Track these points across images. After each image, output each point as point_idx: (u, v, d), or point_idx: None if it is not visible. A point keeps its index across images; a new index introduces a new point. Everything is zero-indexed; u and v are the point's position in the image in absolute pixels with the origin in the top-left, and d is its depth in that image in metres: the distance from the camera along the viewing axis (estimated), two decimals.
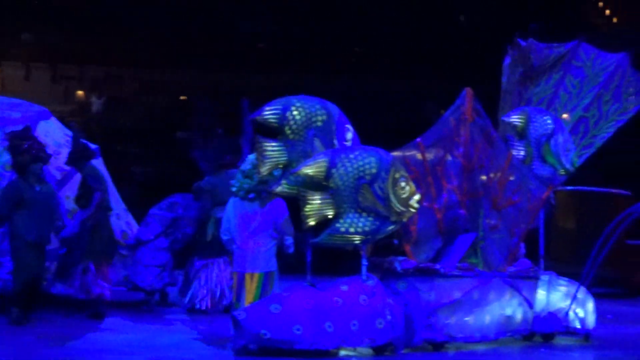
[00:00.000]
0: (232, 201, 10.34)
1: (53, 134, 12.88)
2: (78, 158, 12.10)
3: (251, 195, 10.15)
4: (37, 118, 13.15)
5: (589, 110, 12.74)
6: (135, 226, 13.33)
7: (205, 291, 12.73)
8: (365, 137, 10.55)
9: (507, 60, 13.06)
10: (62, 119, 13.70)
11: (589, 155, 12.72)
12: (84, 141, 12.38)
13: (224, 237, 10.44)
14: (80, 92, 27.45)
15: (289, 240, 10.18)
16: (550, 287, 11.37)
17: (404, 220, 10.08)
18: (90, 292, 11.76)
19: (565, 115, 12.66)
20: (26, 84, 28.00)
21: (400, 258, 10.48)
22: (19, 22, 28.33)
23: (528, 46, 12.79)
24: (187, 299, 12.81)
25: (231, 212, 10.32)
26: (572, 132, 12.47)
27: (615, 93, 12.81)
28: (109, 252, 12.24)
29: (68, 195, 12.74)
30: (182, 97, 28.02)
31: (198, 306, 12.65)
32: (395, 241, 10.57)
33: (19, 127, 12.83)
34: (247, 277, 10.12)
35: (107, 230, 12.15)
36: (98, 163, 13.31)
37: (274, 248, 10.19)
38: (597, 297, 11.94)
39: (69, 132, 13.01)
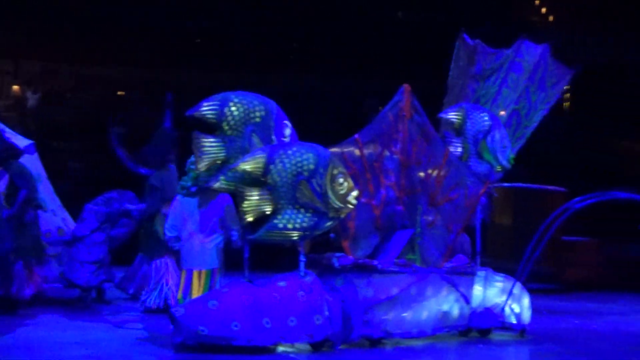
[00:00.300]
0: (178, 198, 10.37)
1: None
2: (3, 157, 11.97)
3: (193, 189, 10.16)
4: None
5: (520, 103, 12.88)
6: (71, 222, 13.22)
7: (156, 290, 12.62)
8: (303, 134, 10.56)
9: (454, 57, 13.15)
10: None
11: (520, 147, 12.85)
12: (9, 139, 12.22)
13: (170, 234, 10.47)
14: (15, 87, 27.09)
15: (235, 235, 10.20)
16: (486, 283, 11.47)
17: (342, 216, 10.11)
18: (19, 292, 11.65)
19: (502, 112, 12.78)
20: None
21: (338, 254, 10.50)
22: None
23: (474, 47, 12.87)
24: (140, 299, 12.69)
25: (177, 209, 10.35)
26: (506, 126, 12.59)
27: (540, 83, 12.98)
28: (38, 251, 12.11)
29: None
30: (119, 93, 27.82)
31: (149, 305, 12.50)
32: (332, 235, 10.59)
33: None
34: (195, 274, 10.15)
35: (36, 228, 12.04)
36: (34, 159, 13.21)
37: (221, 244, 10.23)
38: (533, 292, 12.05)
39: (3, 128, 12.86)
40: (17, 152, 12.07)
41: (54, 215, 13.12)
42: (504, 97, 12.82)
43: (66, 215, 13.38)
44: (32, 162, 13.16)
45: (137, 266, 13.06)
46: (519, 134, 12.88)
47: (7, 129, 13.03)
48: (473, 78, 12.87)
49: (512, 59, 12.88)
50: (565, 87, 13.29)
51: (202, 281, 10.16)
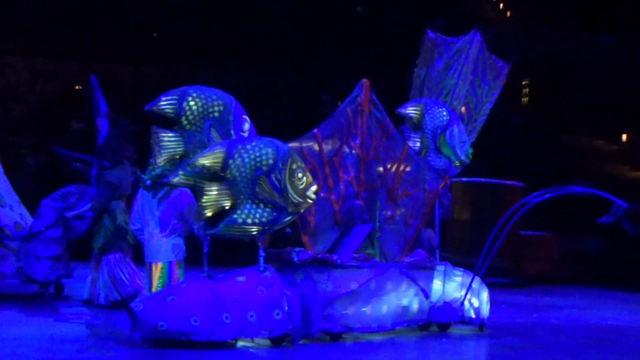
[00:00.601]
0: (140, 191, 10.37)
1: None
2: None
3: (147, 183, 10.15)
4: None
5: (468, 97, 12.95)
6: (28, 218, 13.09)
7: (106, 285, 12.53)
8: (261, 129, 10.54)
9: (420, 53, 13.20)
10: None
11: (473, 141, 12.90)
12: None
13: (133, 228, 10.52)
14: None
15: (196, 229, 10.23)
16: (445, 277, 11.51)
17: (301, 211, 10.10)
18: None
19: (463, 109, 12.83)
20: None
21: (297, 249, 10.49)
22: None
23: (434, 40, 12.92)
24: (87, 292, 12.64)
25: (138, 202, 10.37)
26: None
27: (482, 77, 13.04)
28: None
29: None
30: (76, 87, 27.66)
31: (96, 301, 12.46)
32: (288, 230, 10.58)
33: None
34: (153, 267, 10.16)
35: None
36: None
37: (179, 238, 10.20)
38: (492, 287, 12.14)
39: None
40: None
41: (11, 211, 12.99)
42: (460, 89, 12.87)
43: (23, 210, 13.24)
44: None
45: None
46: (471, 127, 12.95)
47: None
48: (436, 71, 12.91)
49: (466, 50, 12.93)
50: (504, 81, 13.30)
51: (157, 274, 10.13)
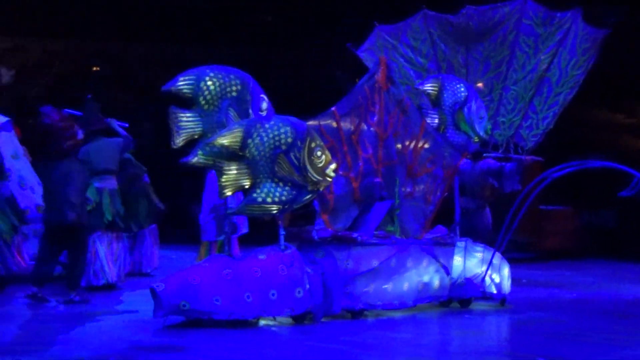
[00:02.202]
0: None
1: None
2: None
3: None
4: None
5: (550, 69, 12.94)
6: None
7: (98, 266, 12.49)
8: (280, 107, 10.54)
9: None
10: None
11: (556, 113, 12.89)
12: None
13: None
14: None
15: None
16: (466, 253, 11.49)
17: (321, 189, 10.10)
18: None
19: (480, 84, 12.82)
20: None
21: (318, 227, 10.51)
22: None
23: (466, 14, 12.95)
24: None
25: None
26: (537, 94, 12.68)
27: (571, 49, 13.07)
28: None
29: None
30: (94, 68, 27.67)
31: (95, 282, 12.38)
32: (316, 204, 10.59)
33: None
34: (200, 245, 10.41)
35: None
36: (10, 136, 13.11)
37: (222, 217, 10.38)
38: (512, 262, 12.11)
39: None
40: None
41: (33, 193, 13.04)
42: (520, 61, 12.86)
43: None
44: (8, 140, 13.09)
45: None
46: (551, 101, 12.94)
47: None
48: (471, 42, 12.93)
49: (517, 19, 12.92)
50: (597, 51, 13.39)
51: (203, 253, 10.27)
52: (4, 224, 11.95)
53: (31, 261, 12.61)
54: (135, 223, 12.93)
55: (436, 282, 11.14)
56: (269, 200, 9.78)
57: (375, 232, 10.70)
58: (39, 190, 13.10)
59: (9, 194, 12.14)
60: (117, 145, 12.29)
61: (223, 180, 9.71)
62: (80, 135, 11.37)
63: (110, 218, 12.18)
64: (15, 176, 12.96)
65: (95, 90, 14.76)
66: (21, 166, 13.15)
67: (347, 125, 10.92)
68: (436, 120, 11.91)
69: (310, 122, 10.41)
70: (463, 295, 11.46)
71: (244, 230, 11.67)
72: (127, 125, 12.63)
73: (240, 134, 9.72)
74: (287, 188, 9.85)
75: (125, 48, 27.51)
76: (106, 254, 12.29)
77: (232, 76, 10.21)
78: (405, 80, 13.37)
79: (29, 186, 13.01)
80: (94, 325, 9.95)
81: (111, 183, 12.26)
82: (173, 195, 14.27)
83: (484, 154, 13.66)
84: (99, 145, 12.37)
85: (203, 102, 10.04)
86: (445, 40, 13.63)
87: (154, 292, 9.51)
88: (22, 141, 13.66)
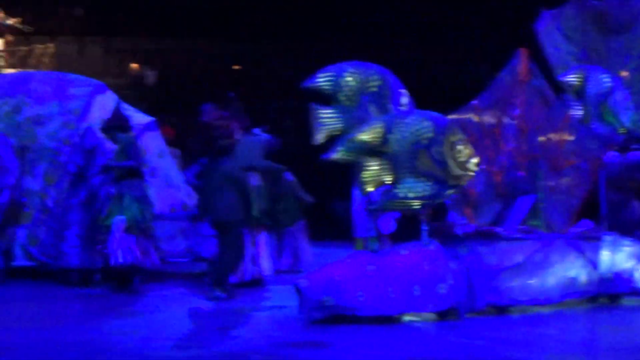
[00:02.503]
0: None
1: (110, 108, 12.90)
2: (110, 127, 12.06)
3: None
4: (94, 92, 13.24)
5: None
6: (193, 196, 13.29)
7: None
8: (419, 102, 10.50)
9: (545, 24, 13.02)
10: (117, 93, 13.72)
11: None
12: (124, 112, 12.31)
13: None
14: (134, 65, 27.54)
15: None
16: (614, 247, 11.21)
17: (463, 183, 10.01)
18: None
19: (624, 73, 12.52)
20: (80, 58, 28.17)
21: (460, 222, 10.43)
22: None
23: (602, 5, 12.73)
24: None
25: None
26: None
27: None
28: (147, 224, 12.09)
29: None
30: (235, 67, 28.05)
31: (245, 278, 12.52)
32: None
33: (77, 103, 12.97)
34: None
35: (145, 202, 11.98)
36: (156, 136, 13.39)
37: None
38: None
39: (127, 104, 13.06)
40: (125, 125, 12.08)
41: (179, 191, 13.28)
42: None
43: (190, 190, 13.49)
44: (154, 139, 13.37)
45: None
46: None
47: (128, 106, 13.24)
48: (610, 32, 12.67)
49: None
50: None
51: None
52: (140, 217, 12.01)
53: (172, 258, 12.89)
54: (283, 220, 13.07)
55: (583, 277, 10.87)
56: (410, 195, 9.75)
57: (519, 227, 10.55)
58: (185, 188, 13.38)
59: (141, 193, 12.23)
60: (261, 143, 12.37)
61: (365, 175, 9.73)
62: (238, 134, 11.52)
63: (256, 215, 12.29)
64: (161, 174, 13.22)
65: (237, 89, 14.91)
66: (167, 165, 13.41)
67: (488, 118, 10.82)
68: (580, 112, 11.68)
69: (451, 116, 10.34)
70: (612, 290, 11.15)
71: (394, 226, 11.63)
72: (266, 128, 12.74)
73: (380, 130, 9.73)
74: (428, 183, 9.79)
75: (266, 47, 27.78)
76: (253, 251, 12.44)
77: (371, 72, 10.22)
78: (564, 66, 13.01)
79: (174, 184, 13.26)
80: (240, 321, 10.07)
81: (256, 180, 12.37)
82: (316, 192, 14.33)
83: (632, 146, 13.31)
84: (243, 143, 12.51)
85: (343, 98, 10.08)
86: (595, 30, 13.32)
87: (298, 289, 9.59)
88: (174, 140, 13.94)
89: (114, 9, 28.48)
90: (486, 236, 10.25)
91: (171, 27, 28.20)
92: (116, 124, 11.97)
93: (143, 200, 11.70)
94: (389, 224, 10.52)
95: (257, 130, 12.09)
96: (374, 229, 10.42)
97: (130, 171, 11.67)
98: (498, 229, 10.34)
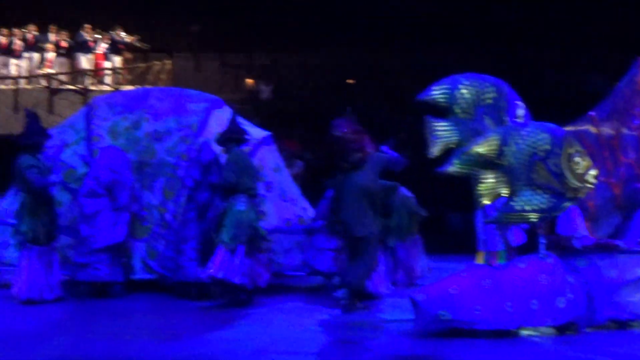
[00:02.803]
0: None
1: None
2: (225, 140, 12.17)
3: None
4: (211, 107, 13.43)
5: None
6: (311, 211, 13.38)
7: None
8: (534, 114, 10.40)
9: None
10: (232, 107, 13.88)
11: None
12: (240, 125, 12.41)
13: None
14: (249, 80, 27.86)
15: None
16: None
17: (581, 196, 9.86)
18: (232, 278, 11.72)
19: None
20: (196, 74, 28.63)
21: (578, 235, 10.27)
22: (187, 14, 29.00)
23: None
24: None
25: None
26: None
27: None
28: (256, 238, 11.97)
29: None
30: (349, 81, 28.14)
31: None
32: None
33: (195, 118, 13.18)
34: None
35: (250, 216, 11.95)
36: (271, 150, 13.50)
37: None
38: None
39: (243, 119, 13.19)
40: (240, 137, 12.18)
41: (294, 205, 13.35)
42: None
43: (306, 204, 13.58)
44: (270, 153, 13.47)
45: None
46: None
47: (244, 121, 13.41)
48: None
49: None
50: None
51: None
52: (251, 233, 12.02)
53: (288, 271, 12.98)
54: (397, 235, 13.06)
55: None
56: (527, 208, 9.63)
57: None
58: (301, 202, 13.46)
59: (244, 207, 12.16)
60: (388, 161, 12.19)
61: (481, 188, 9.67)
62: (370, 147, 11.55)
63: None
64: (277, 188, 13.32)
65: (352, 102, 14.97)
66: (283, 179, 13.49)
67: (606, 129, 10.67)
68: None
69: (568, 128, 10.20)
70: None
71: (523, 239, 11.47)
72: (393, 141, 12.71)
73: (496, 142, 9.66)
74: (545, 195, 9.67)
75: (379, 59, 27.80)
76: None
77: (487, 84, 10.16)
78: None
79: (290, 198, 13.33)
80: (357, 334, 10.09)
81: None
82: (431, 205, 14.29)
83: None
84: (372, 158, 12.48)
85: (458, 111, 10.04)
86: None
87: (414, 302, 9.57)
88: (298, 154, 13.98)
89: (228, 25, 28.91)
90: (606, 249, 10.08)
91: (281, 41, 28.47)
92: (231, 137, 12.10)
93: (247, 214, 11.73)
94: (519, 236, 10.38)
95: (385, 148, 12.06)
96: (502, 242, 10.28)
97: (230, 187, 11.78)
98: (618, 242, 10.16)
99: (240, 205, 11.65)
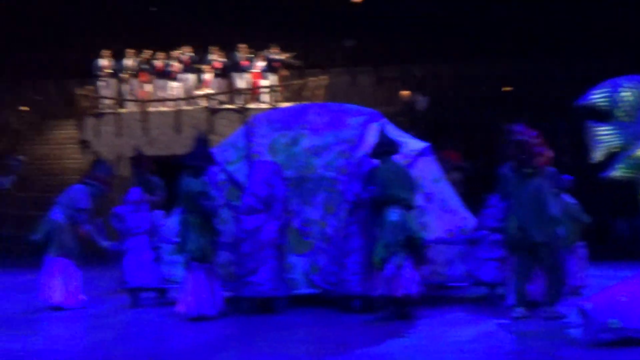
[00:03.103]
0: None
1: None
2: (379, 152, 12.16)
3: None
4: (368, 121, 13.49)
5: None
6: (472, 220, 13.28)
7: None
8: None
9: None
10: (389, 120, 13.92)
11: None
12: (390, 136, 12.39)
13: None
14: (404, 92, 27.91)
15: None
16: None
17: None
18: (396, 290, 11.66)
19: None
20: (352, 88, 28.85)
21: None
22: (341, 29, 29.27)
23: None
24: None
25: None
26: None
27: None
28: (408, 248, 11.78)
29: None
30: (505, 89, 27.91)
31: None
32: None
33: (353, 132, 13.26)
34: None
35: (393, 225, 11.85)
36: (431, 161, 13.46)
37: None
38: None
39: (400, 131, 13.19)
40: (392, 149, 12.17)
41: (456, 215, 13.27)
42: None
43: (468, 214, 13.48)
44: (429, 164, 13.43)
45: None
46: None
47: (402, 133, 13.39)
48: None
49: None
50: None
51: None
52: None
53: (452, 282, 12.91)
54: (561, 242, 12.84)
55: None
56: None
57: None
58: (462, 212, 13.35)
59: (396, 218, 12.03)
60: (554, 173, 12.13)
61: None
62: (548, 153, 11.48)
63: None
64: (437, 199, 13.26)
65: (507, 111, 14.82)
66: (443, 189, 13.43)
67: None
68: None
69: None
70: None
71: None
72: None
73: None
74: None
75: (533, 67, 27.54)
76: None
77: None
78: None
79: (451, 209, 13.25)
80: (523, 343, 9.97)
81: None
82: (594, 211, 14.01)
83: None
84: None
85: (621, 114, 9.83)
86: None
87: (582, 311, 9.39)
88: (458, 164, 13.91)
89: (383, 38, 29.07)
90: None
91: (439, 52, 28.47)
92: (381, 149, 12.11)
93: (402, 225, 11.67)
94: None
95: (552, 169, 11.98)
96: None
97: (381, 199, 11.77)
98: None
99: (393, 216, 11.63)
